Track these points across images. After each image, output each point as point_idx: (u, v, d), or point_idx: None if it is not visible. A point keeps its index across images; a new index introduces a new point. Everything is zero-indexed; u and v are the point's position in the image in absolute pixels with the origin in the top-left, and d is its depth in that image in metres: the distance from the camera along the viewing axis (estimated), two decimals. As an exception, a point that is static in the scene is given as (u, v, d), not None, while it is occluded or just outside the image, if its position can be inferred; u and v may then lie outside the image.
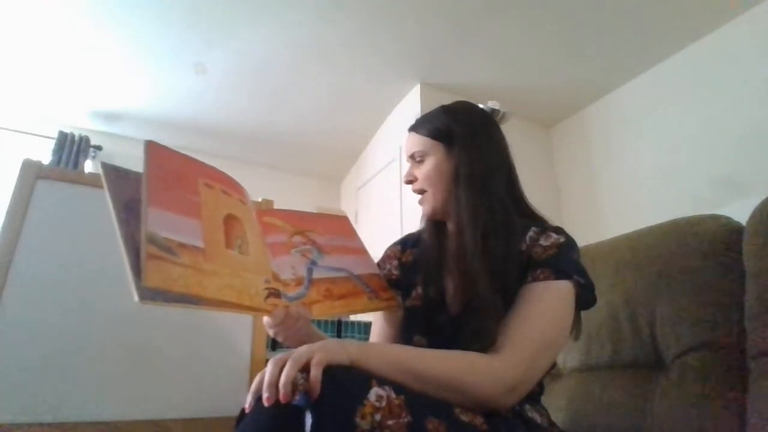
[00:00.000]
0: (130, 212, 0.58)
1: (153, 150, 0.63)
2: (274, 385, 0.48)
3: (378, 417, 0.48)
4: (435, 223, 0.83)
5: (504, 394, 0.59)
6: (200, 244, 0.60)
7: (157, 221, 0.56)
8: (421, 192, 0.81)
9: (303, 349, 0.52)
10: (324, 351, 0.51)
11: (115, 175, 0.63)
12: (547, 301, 0.65)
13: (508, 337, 0.62)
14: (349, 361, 0.53)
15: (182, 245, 0.57)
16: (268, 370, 0.50)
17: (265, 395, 0.49)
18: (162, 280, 0.52)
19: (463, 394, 0.57)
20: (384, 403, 0.50)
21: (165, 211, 0.58)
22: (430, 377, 0.57)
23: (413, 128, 0.83)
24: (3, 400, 0.88)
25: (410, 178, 0.82)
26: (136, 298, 0.51)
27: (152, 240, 0.54)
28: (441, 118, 0.80)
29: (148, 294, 0.52)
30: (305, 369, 0.50)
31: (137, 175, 0.61)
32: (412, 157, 0.82)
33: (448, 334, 0.70)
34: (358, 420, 0.48)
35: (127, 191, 0.61)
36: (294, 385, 0.48)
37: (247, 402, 0.51)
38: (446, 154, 0.78)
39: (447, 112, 0.81)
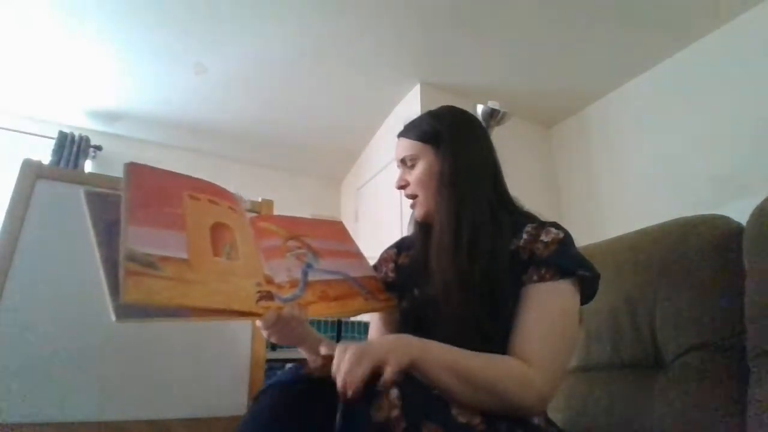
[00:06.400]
0: (110, 235, 0.57)
1: (133, 171, 0.63)
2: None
3: (395, 413, 0.50)
4: (423, 225, 0.83)
5: (537, 405, 0.61)
6: (184, 255, 0.59)
7: (138, 238, 0.56)
8: (413, 197, 0.82)
9: (376, 352, 0.54)
10: (395, 354, 0.55)
11: (97, 198, 0.63)
12: (561, 304, 0.66)
13: (536, 347, 0.63)
14: (409, 363, 0.56)
15: (165, 258, 0.56)
16: (346, 365, 0.51)
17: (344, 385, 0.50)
18: (142, 294, 0.51)
19: (501, 400, 0.58)
20: (399, 403, 0.51)
21: (146, 227, 0.58)
22: (476, 381, 0.58)
23: (402, 134, 0.85)
24: (4, 400, 0.88)
25: (402, 183, 0.83)
26: (113, 317, 0.50)
27: (132, 257, 0.53)
28: (428, 121, 0.82)
29: (125, 312, 0.51)
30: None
31: (118, 198, 0.60)
32: (403, 162, 0.83)
33: (444, 335, 0.70)
34: (373, 412, 0.49)
35: (109, 214, 0.60)
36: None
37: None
38: (436, 155, 0.79)
39: (433, 116, 0.83)
